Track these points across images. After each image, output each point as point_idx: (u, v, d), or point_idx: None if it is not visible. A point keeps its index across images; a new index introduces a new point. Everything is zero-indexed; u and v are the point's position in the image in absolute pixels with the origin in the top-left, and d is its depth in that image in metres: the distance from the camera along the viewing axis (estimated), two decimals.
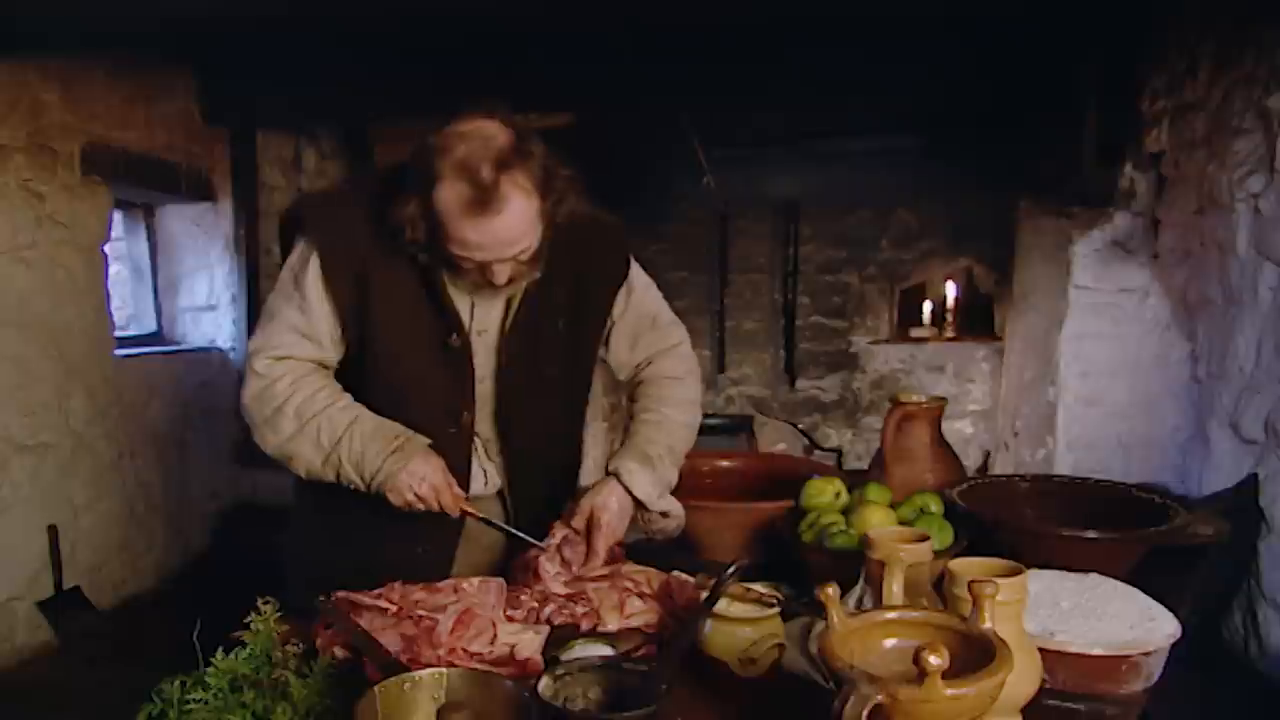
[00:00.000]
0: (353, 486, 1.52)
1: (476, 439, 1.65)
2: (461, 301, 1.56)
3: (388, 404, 1.55)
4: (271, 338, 1.54)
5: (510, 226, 1.38)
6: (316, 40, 3.56)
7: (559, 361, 1.67)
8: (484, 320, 1.59)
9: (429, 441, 1.53)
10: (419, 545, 1.60)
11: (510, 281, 1.47)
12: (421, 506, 1.51)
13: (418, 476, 1.49)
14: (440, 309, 1.55)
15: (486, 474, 1.67)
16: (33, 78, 3.49)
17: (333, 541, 1.64)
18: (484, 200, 1.34)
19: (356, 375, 1.58)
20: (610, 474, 1.60)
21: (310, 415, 1.50)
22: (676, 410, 1.71)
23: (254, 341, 1.56)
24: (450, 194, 1.36)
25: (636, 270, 1.75)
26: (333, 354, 1.57)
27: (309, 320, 1.53)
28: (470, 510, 1.56)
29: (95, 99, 3.81)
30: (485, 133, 1.36)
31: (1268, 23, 2.31)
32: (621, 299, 1.72)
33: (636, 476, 1.59)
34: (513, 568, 1.58)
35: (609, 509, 1.56)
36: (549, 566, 1.50)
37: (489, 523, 1.61)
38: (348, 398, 1.55)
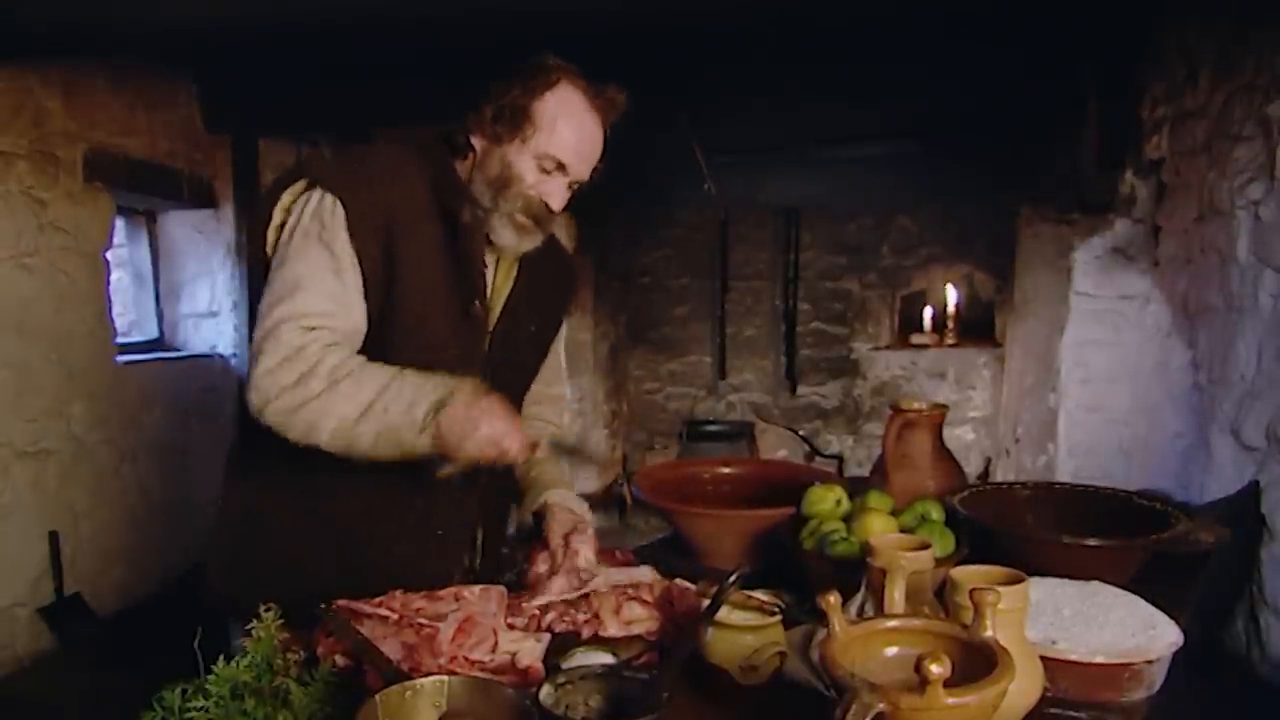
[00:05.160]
0: (394, 451, 1.34)
1: None
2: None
3: None
4: (302, 306, 1.36)
5: (600, 140, 1.52)
6: (316, 47, 3.57)
7: (530, 357, 1.74)
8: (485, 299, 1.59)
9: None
10: (433, 536, 1.57)
11: (546, 218, 1.52)
12: (490, 454, 1.34)
13: (486, 410, 1.32)
14: (469, 272, 1.50)
15: None
16: (35, 85, 3.51)
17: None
18: (601, 103, 1.49)
19: (375, 344, 1.44)
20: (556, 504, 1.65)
21: (344, 373, 1.34)
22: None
23: (280, 311, 1.36)
24: (569, 94, 1.47)
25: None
26: (363, 327, 1.43)
27: (344, 285, 1.39)
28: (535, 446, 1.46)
29: (97, 106, 3.82)
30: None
31: (1268, 30, 2.32)
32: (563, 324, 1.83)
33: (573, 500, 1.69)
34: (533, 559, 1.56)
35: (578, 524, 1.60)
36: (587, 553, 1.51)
37: (572, 449, 1.60)
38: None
